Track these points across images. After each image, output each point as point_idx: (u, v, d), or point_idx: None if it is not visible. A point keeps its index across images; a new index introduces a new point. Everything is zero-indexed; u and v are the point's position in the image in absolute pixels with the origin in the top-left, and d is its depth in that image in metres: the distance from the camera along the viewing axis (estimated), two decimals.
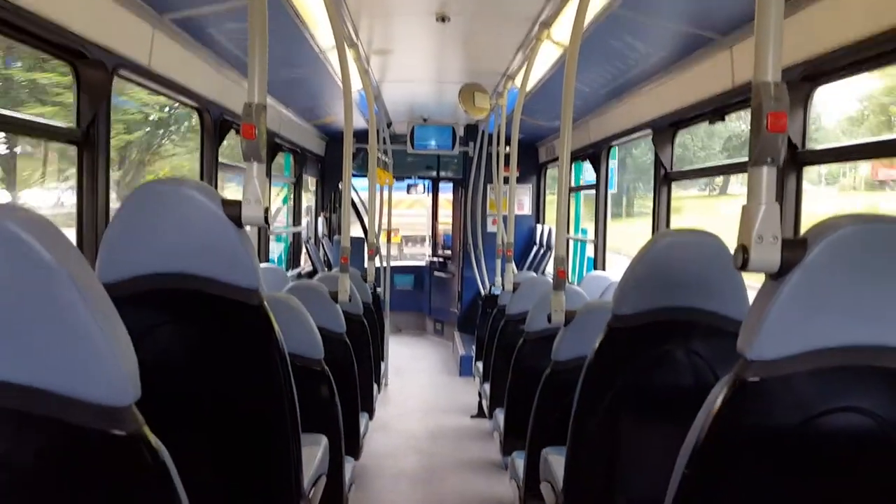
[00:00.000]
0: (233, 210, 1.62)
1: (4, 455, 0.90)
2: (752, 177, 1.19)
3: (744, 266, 1.16)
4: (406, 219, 12.99)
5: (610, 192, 5.27)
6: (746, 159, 1.21)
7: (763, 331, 1.13)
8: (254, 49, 1.69)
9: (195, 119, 3.83)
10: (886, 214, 1.15)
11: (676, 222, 4.11)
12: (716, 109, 3.23)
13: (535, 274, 5.44)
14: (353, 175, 6.96)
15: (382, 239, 6.83)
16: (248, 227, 1.69)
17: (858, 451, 1.15)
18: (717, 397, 1.16)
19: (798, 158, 2.55)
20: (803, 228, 1.19)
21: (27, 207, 0.91)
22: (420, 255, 11.58)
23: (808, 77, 2.43)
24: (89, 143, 2.55)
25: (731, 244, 1.23)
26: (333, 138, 7.39)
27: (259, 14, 1.70)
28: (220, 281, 1.65)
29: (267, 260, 5.21)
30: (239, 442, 1.77)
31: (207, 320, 1.69)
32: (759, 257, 1.14)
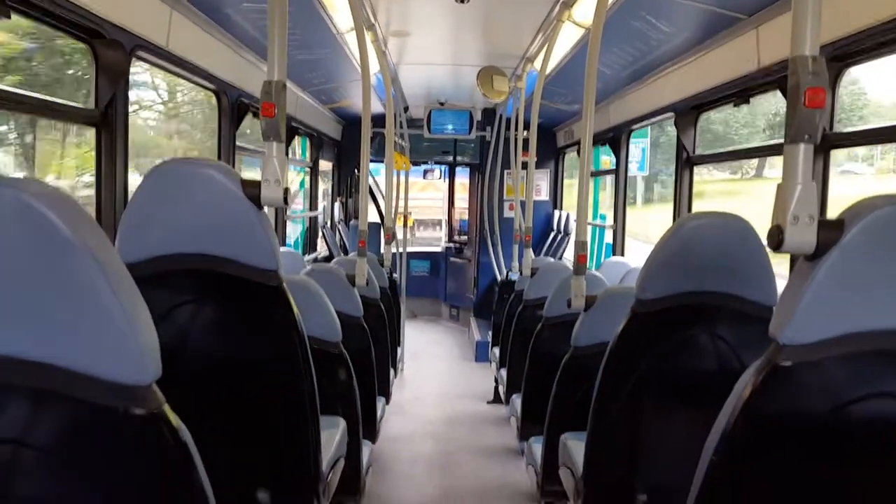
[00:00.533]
0: (252, 191, 1.60)
1: (24, 433, 0.89)
2: (788, 155, 1.15)
3: (778, 247, 1.13)
4: (418, 202, 12.93)
5: (641, 174, 5.11)
6: (772, 142, 1.17)
7: (798, 314, 1.09)
8: (273, 27, 1.66)
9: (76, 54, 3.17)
10: None
11: (706, 207, 4.01)
12: (740, 91, 3.17)
13: (552, 259, 5.41)
14: (370, 160, 6.93)
15: (399, 223, 6.82)
16: (266, 209, 1.68)
17: (891, 437, 1.12)
18: (747, 382, 1.14)
19: (826, 141, 2.50)
20: (834, 212, 1.14)
21: (48, 183, 0.90)
22: (432, 240, 11.56)
23: (837, 58, 2.37)
24: (107, 124, 2.54)
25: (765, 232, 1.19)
26: (350, 122, 7.37)
27: None
28: (239, 262, 1.64)
29: (284, 244, 5.22)
30: (258, 422, 1.76)
31: (227, 301, 1.68)
32: (795, 238, 1.11)
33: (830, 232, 1.09)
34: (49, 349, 0.88)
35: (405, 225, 7.20)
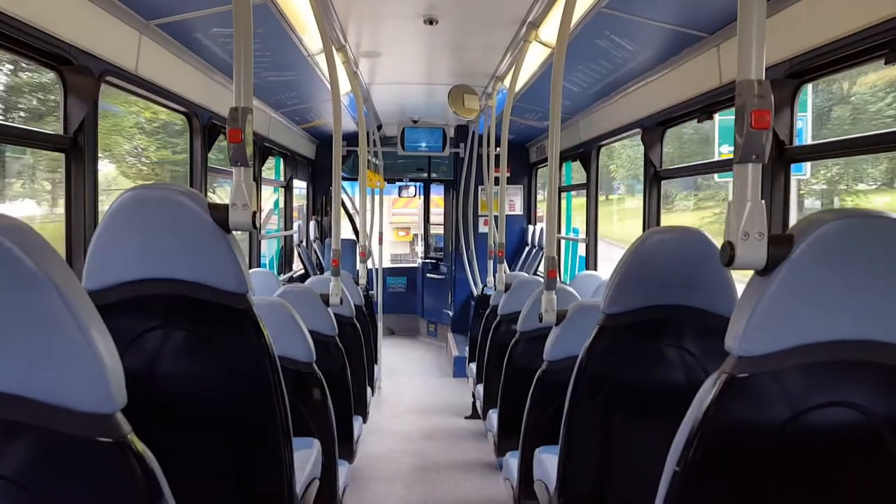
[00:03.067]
0: (220, 214, 1.61)
1: None
2: (738, 174, 1.20)
3: (730, 263, 1.17)
4: (415, 217, 12.84)
5: (798, 176, 4.22)
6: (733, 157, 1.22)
7: (751, 327, 1.13)
8: (239, 53, 1.68)
9: None
10: (871, 209, 1.16)
11: None
12: (704, 107, 3.24)
13: (526, 274, 5.46)
14: (344, 178, 6.93)
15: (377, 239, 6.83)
16: (236, 232, 1.69)
17: (848, 445, 1.16)
18: (706, 394, 1.17)
19: (785, 155, 2.57)
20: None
21: (8, 214, 0.91)
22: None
23: (793, 74, 2.45)
24: (77, 149, 2.54)
25: None
26: (324, 141, 7.38)
27: (244, 18, 1.70)
28: (208, 286, 1.64)
29: (259, 265, 5.20)
30: (229, 447, 1.76)
31: (196, 325, 1.69)
32: (746, 254, 1.15)
33: (780, 247, 1.13)
34: (13, 380, 0.89)
35: (381, 242, 7.21)
